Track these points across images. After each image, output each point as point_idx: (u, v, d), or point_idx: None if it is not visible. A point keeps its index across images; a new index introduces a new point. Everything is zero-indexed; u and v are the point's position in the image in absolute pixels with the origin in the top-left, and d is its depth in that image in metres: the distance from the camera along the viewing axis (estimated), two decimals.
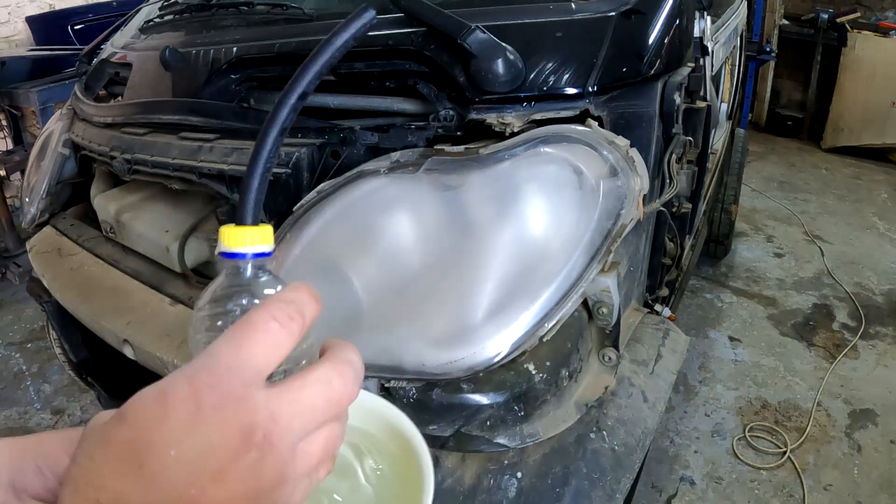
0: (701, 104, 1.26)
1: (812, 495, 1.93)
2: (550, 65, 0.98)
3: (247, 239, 0.40)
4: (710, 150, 1.38)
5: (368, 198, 0.97)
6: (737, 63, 2.47)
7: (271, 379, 0.35)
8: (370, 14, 0.46)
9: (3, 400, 2.47)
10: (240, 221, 0.41)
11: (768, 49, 3.95)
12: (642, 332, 1.19)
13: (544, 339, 0.86)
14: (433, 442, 0.90)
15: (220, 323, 0.38)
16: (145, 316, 1.14)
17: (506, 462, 0.97)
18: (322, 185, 1.02)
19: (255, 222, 0.41)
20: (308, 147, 1.06)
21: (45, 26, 4.11)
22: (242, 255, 0.40)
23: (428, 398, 0.88)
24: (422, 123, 1.04)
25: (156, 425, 0.31)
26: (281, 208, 1.06)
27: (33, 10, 4.26)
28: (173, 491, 0.30)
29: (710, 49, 1.40)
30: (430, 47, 1.02)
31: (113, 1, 4.31)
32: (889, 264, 3.21)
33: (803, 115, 4.98)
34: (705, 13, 1.34)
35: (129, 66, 1.49)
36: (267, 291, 0.39)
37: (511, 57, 0.96)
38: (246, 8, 1.38)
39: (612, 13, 1.03)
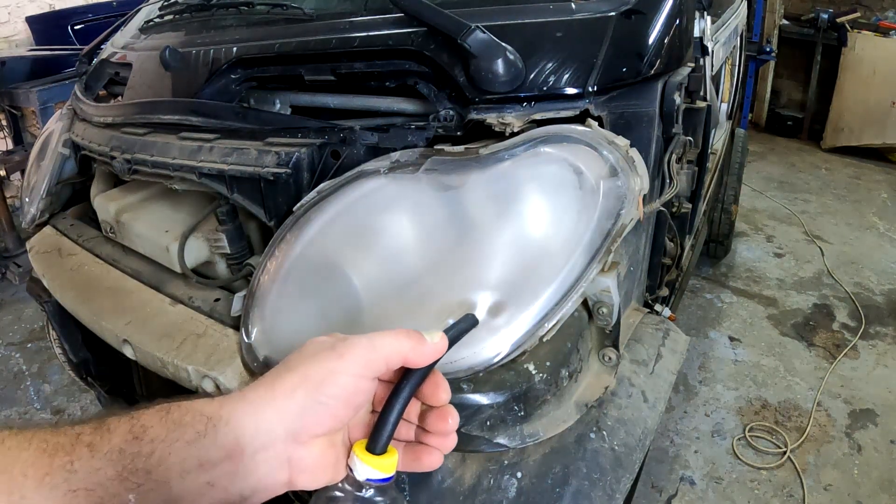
0: (701, 104, 1.26)
1: (812, 495, 1.93)
2: (550, 65, 0.98)
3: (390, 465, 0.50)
4: (710, 150, 1.38)
5: (368, 198, 0.97)
6: (737, 63, 2.47)
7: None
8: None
9: (3, 400, 2.47)
10: (381, 451, 0.50)
11: (768, 49, 3.95)
12: (642, 332, 1.19)
13: (544, 339, 0.86)
14: None
15: None
16: (145, 316, 1.14)
17: (506, 462, 0.97)
18: (322, 185, 1.02)
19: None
20: (308, 147, 1.06)
21: (45, 26, 4.11)
22: (387, 479, 0.49)
23: None
24: (422, 123, 1.04)
25: None
26: (281, 208, 1.06)
27: (33, 10, 4.26)
28: None
29: (710, 49, 1.40)
30: (430, 47, 1.02)
31: (113, 1, 4.31)
32: (889, 264, 3.21)
33: (803, 115, 4.98)
34: (705, 13, 1.34)
35: (128, 66, 1.49)
36: None
37: (511, 57, 0.96)
38: (246, 8, 1.38)
39: (612, 13, 1.02)
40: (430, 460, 0.54)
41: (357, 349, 0.49)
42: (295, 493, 0.52)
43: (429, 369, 0.52)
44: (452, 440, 0.55)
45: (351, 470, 0.49)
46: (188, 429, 0.45)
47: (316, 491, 0.50)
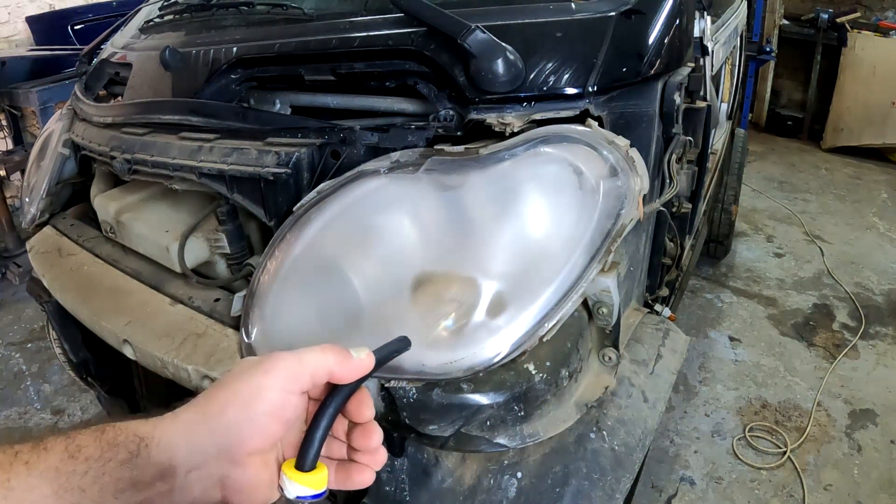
0: (701, 104, 1.26)
1: (812, 495, 1.93)
2: (550, 65, 0.98)
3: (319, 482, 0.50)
4: (710, 150, 1.38)
5: (368, 198, 0.97)
6: (737, 63, 2.47)
7: None
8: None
9: (3, 400, 2.47)
10: (309, 468, 0.50)
11: (768, 49, 3.95)
12: (642, 332, 1.19)
13: (544, 339, 0.86)
14: (433, 442, 0.90)
15: None
16: (145, 316, 1.14)
17: (506, 462, 0.97)
18: (322, 185, 1.02)
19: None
20: (308, 147, 1.06)
21: (45, 26, 4.11)
22: (318, 495, 0.50)
23: (428, 398, 0.88)
24: (422, 123, 1.04)
25: None
26: (281, 208, 1.06)
27: (33, 10, 4.26)
28: None
29: (710, 49, 1.40)
30: (430, 47, 1.02)
31: (113, 1, 4.31)
32: (889, 264, 3.21)
33: (803, 115, 4.98)
34: (705, 13, 1.34)
35: (129, 66, 1.49)
36: None
37: (511, 57, 0.96)
38: (246, 8, 1.38)
39: (612, 13, 1.02)
40: (361, 478, 0.55)
41: (283, 363, 0.50)
42: None
43: (355, 386, 0.53)
44: (382, 456, 0.56)
45: (282, 490, 0.50)
46: (121, 449, 0.46)
47: None
